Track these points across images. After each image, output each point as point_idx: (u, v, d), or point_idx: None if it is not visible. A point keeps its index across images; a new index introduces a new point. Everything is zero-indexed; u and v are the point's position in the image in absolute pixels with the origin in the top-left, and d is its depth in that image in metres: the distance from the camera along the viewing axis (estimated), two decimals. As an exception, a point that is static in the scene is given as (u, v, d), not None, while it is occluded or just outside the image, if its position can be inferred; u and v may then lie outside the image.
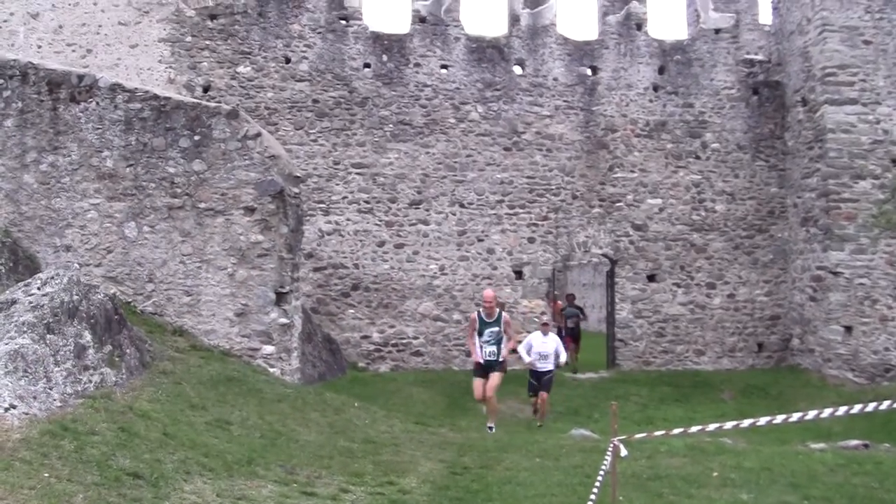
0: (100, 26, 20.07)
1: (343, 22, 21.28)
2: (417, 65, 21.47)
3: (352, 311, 20.68)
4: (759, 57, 23.30)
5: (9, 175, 13.24)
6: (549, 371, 16.04)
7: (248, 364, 12.47)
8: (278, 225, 13.19)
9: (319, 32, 21.09)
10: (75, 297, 8.72)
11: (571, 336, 23.62)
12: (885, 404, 6.86)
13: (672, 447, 10.88)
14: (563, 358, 16.39)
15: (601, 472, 7.01)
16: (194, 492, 6.78)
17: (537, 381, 16.04)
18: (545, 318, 16.08)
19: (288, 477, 7.70)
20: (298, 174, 14.31)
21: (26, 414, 7.09)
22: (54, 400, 7.62)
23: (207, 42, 20.54)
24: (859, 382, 19.15)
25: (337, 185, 20.85)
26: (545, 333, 16.32)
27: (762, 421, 7.40)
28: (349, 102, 21.06)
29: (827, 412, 7.58)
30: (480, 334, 13.81)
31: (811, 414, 7.45)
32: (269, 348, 12.93)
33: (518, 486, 8.47)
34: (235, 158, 13.21)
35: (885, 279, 19.70)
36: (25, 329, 7.87)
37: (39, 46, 19.87)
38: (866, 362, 19.44)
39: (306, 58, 20.98)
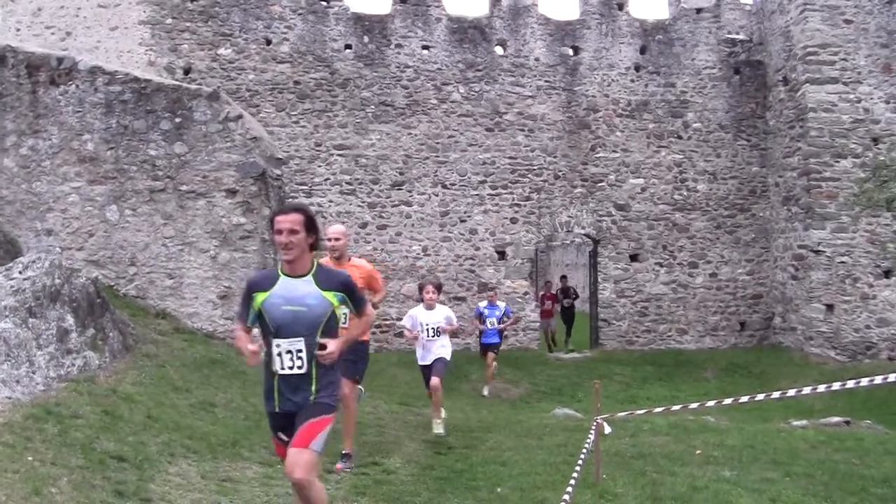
0: (79, 9, 19.89)
1: (324, 3, 21.14)
2: (399, 46, 21.37)
3: (335, 293, 20.60)
4: (741, 36, 23.30)
5: (-12, 159, 13.17)
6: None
7: (231, 346, 12.45)
8: (260, 207, 13.16)
9: (300, 14, 20.96)
10: (57, 281, 8.69)
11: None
12: (865, 381, 6.91)
13: (655, 425, 10.95)
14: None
15: (584, 451, 7.04)
16: (179, 474, 6.79)
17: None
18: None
19: (272, 458, 7.71)
20: (280, 156, 14.27)
21: (9, 398, 7.06)
22: (37, 384, 7.60)
23: (188, 24, 20.38)
24: (841, 360, 19.28)
25: (319, 166, 20.77)
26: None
27: (744, 399, 7.45)
28: (331, 84, 20.96)
29: (808, 390, 7.64)
30: None
31: (793, 391, 7.51)
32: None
33: (502, 466, 8.51)
34: (217, 141, 13.17)
35: (865, 257, 19.81)
36: (7, 313, 7.83)
37: (18, 29, 19.69)
38: (847, 340, 19.58)
39: (287, 39, 20.85)
